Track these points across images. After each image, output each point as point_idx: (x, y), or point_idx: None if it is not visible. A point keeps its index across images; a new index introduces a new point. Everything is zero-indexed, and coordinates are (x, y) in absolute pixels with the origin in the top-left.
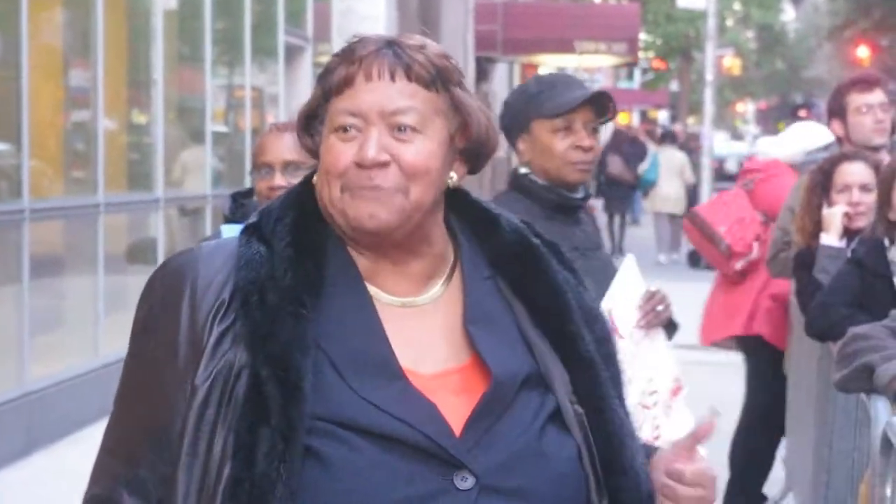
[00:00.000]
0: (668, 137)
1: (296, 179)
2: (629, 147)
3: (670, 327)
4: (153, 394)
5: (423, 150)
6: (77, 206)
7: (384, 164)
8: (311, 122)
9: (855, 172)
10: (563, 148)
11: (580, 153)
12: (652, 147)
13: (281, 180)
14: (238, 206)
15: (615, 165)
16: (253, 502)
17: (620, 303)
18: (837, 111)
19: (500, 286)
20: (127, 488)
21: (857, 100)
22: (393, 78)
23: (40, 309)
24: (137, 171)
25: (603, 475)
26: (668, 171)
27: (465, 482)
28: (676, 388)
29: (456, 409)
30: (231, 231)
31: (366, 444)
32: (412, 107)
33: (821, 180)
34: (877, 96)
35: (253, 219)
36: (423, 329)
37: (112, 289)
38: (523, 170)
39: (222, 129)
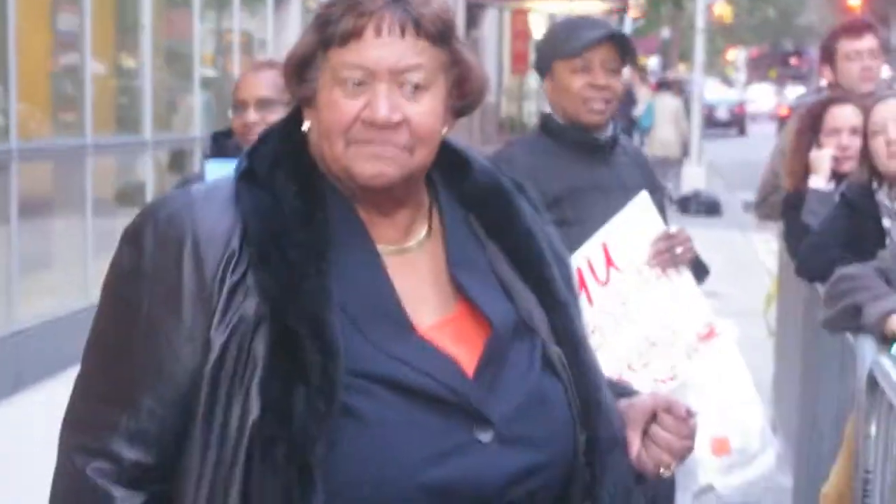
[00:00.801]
0: (663, 85)
1: (272, 116)
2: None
3: (700, 272)
4: (154, 344)
5: (431, 110)
6: (65, 148)
7: (397, 125)
8: (301, 70)
9: (844, 116)
10: (578, 86)
11: (595, 91)
12: (643, 93)
13: (255, 117)
14: (218, 145)
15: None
16: (291, 461)
17: (623, 236)
18: (827, 57)
19: (474, 228)
20: (126, 438)
21: (846, 46)
22: (403, 34)
23: (29, 249)
24: (126, 115)
25: (581, 413)
26: (662, 117)
27: (486, 435)
28: (709, 332)
29: (461, 361)
30: (216, 170)
31: (395, 398)
32: (421, 64)
33: (810, 123)
34: (865, 43)
35: (243, 162)
36: (414, 277)
37: (100, 230)
38: (547, 110)
39: (211, 73)
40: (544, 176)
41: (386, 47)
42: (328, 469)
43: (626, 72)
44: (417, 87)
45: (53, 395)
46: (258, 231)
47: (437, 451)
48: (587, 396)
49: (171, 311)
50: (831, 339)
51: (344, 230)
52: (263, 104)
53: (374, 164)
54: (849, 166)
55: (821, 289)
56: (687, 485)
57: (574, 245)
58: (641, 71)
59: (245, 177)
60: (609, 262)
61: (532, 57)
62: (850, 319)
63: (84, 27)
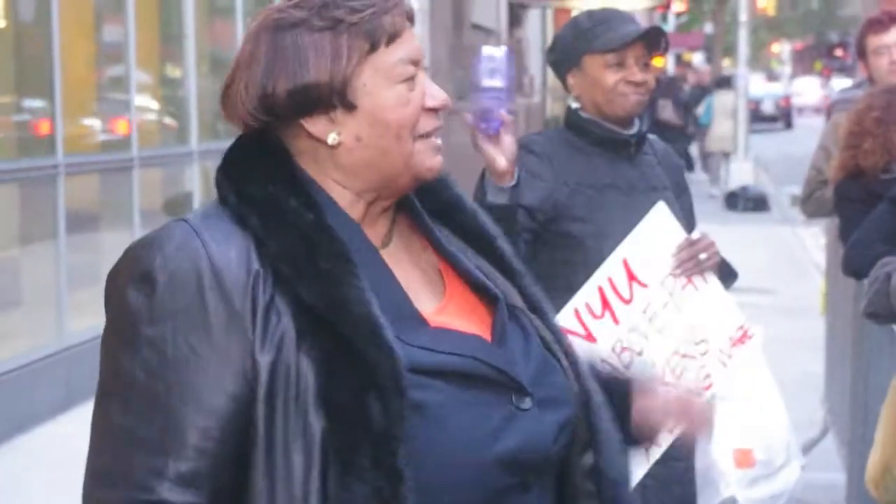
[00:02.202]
0: (722, 82)
1: None
2: (680, 92)
3: (727, 275)
4: (190, 380)
5: None
6: (111, 161)
7: (447, 105)
8: (329, 92)
9: None
10: (613, 82)
11: (632, 87)
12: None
13: None
14: None
15: (667, 111)
16: (379, 465)
17: (644, 250)
18: (860, 52)
19: (425, 212)
20: (176, 482)
21: (873, 41)
22: (413, 22)
23: (77, 264)
24: (171, 125)
25: (571, 372)
26: (721, 113)
27: (525, 402)
28: (741, 336)
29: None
30: None
31: (444, 385)
32: None
33: (883, 111)
34: (892, 35)
35: (228, 185)
36: (402, 270)
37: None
38: (574, 104)
39: None
40: (561, 165)
41: (415, 38)
42: (411, 466)
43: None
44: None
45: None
46: (281, 248)
47: (495, 425)
48: (569, 357)
49: (203, 343)
50: (880, 333)
51: (346, 235)
52: None
53: (438, 155)
54: None
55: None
56: (709, 497)
57: (585, 238)
58: (686, 65)
59: (241, 199)
60: (631, 277)
61: (548, 48)
62: (884, 296)
63: (129, 37)
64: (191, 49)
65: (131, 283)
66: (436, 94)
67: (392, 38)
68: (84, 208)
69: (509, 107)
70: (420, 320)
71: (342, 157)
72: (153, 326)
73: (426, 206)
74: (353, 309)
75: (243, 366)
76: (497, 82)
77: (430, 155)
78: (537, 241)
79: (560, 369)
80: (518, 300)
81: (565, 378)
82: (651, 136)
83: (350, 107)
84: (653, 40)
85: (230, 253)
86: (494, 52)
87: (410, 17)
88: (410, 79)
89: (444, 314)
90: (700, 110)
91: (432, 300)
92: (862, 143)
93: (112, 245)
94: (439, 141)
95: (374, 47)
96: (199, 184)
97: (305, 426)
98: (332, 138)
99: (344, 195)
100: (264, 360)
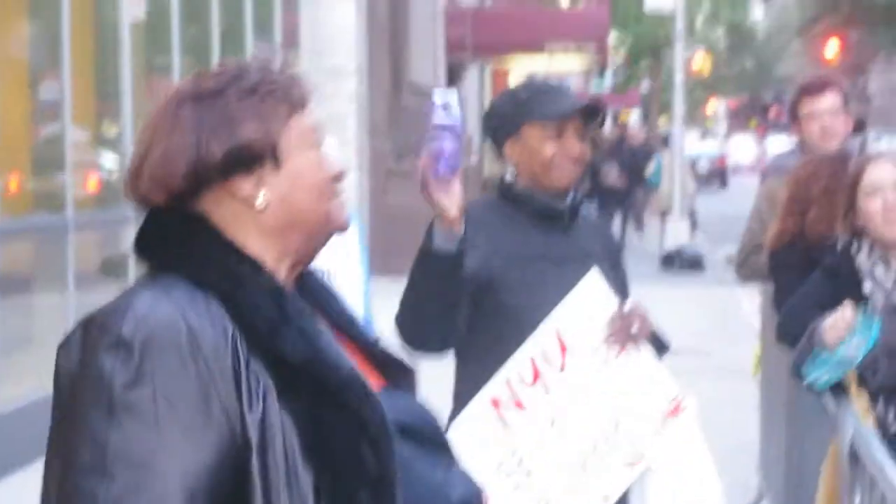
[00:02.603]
0: (667, 141)
1: None
2: (629, 153)
3: (660, 346)
4: (177, 443)
5: None
6: (46, 223)
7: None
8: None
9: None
10: (551, 153)
11: (568, 160)
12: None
13: None
14: None
15: (611, 176)
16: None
17: (576, 320)
18: (793, 116)
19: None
20: None
21: (806, 106)
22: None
23: (9, 329)
24: (107, 185)
25: None
26: (669, 172)
27: (453, 460)
28: (675, 408)
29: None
30: None
31: (401, 437)
32: None
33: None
34: (825, 101)
35: (167, 256)
36: None
37: (83, 307)
38: (509, 175)
39: None
40: (495, 235)
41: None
42: None
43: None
44: None
45: (26, 484)
46: (253, 308)
47: (441, 477)
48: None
49: (184, 404)
50: (816, 402)
51: None
52: None
53: (345, 211)
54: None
55: None
56: None
57: (518, 310)
58: (622, 125)
59: (192, 265)
60: (563, 346)
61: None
62: (807, 352)
63: (64, 94)
64: (128, 107)
65: (103, 350)
66: (336, 160)
67: (302, 105)
68: (18, 271)
69: (460, 149)
70: (367, 380)
71: (267, 219)
72: (133, 391)
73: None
74: (338, 363)
75: (230, 425)
76: (448, 121)
77: (341, 210)
78: (475, 309)
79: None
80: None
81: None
82: (584, 207)
83: (278, 165)
84: (592, 113)
85: (202, 315)
86: (446, 94)
87: (311, 93)
88: (320, 145)
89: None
90: (649, 171)
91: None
92: (807, 212)
93: (45, 309)
94: (344, 197)
95: (291, 112)
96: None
97: (296, 478)
98: (260, 198)
99: (266, 261)
100: (253, 418)
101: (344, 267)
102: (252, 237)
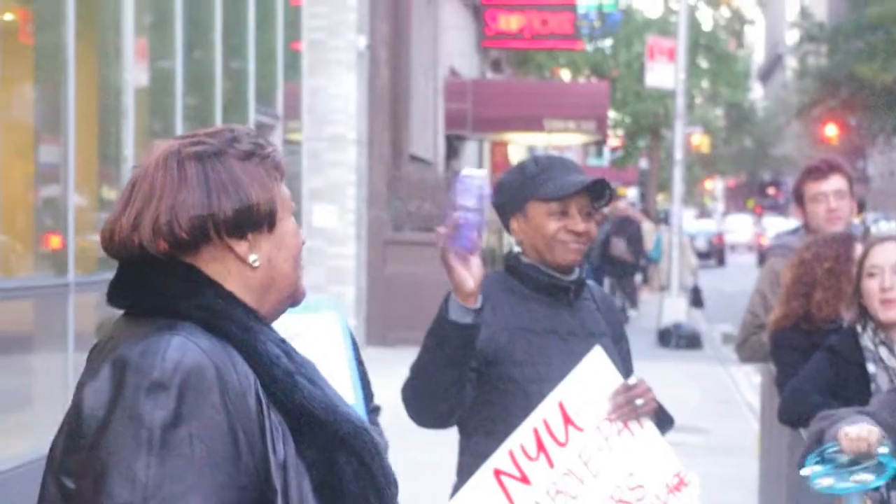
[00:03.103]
0: (667, 219)
1: None
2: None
3: (664, 422)
4: (212, 480)
5: None
6: (46, 286)
7: None
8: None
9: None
10: (555, 230)
11: (572, 237)
12: (647, 227)
13: None
14: None
15: (619, 248)
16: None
17: (580, 393)
18: (798, 198)
19: None
20: None
21: (812, 188)
22: None
23: (8, 388)
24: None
25: None
26: (668, 249)
27: None
28: (678, 483)
29: None
30: None
31: None
32: None
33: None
34: (831, 184)
35: (176, 301)
36: None
37: (82, 368)
38: (515, 249)
39: None
40: (501, 309)
41: None
42: None
43: (627, 206)
44: None
45: None
46: (270, 357)
47: None
48: None
49: (219, 447)
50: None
51: None
52: None
53: (304, 279)
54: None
55: (804, 433)
56: None
57: (524, 383)
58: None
59: (204, 312)
60: (567, 420)
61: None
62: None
63: (68, 158)
64: (129, 172)
65: (141, 392)
66: (302, 233)
67: (283, 174)
68: (18, 331)
69: (482, 229)
70: None
71: (255, 278)
72: (171, 432)
73: None
74: (348, 412)
75: (256, 467)
76: (472, 202)
77: (302, 279)
78: (480, 382)
79: None
80: None
81: None
82: (590, 283)
83: (272, 229)
84: (596, 190)
85: (226, 361)
86: (473, 174)
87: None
88: (293, 213)
89: None
90: (650, 246)
91: None
92: (812, 294)
93: (45, 370)
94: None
95: (279, 180)
96: None
97: None
98: (253, 259)
99: (263, 309)
100: (276, 461)
101: (328, 349)
102: (240, 293)
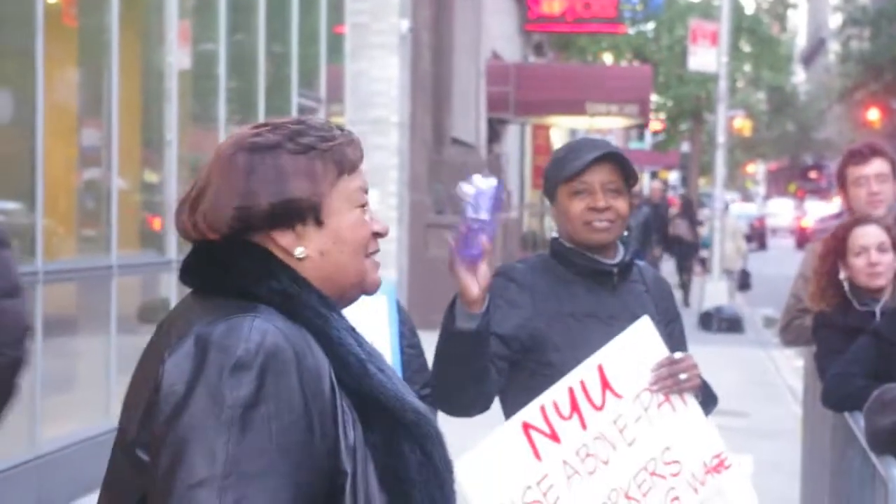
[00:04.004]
0: (703, 203)
1: None
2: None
3: (708, 400)
4: (293, 458)
5: None
6: (90, 268)
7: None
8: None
9: (870, 234)
10: (578, 210)
11: (595, 214)
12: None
13: None
14: None
15: (681, 228)
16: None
17: (622, 360)
18: (840, 182)
19: None
20: None
21: (853, 172)
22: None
23: (52, 370)
24: (151, 232)
25: None
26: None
27: None
28: (717, 464)
29: None
30: None
31: None
32: None
33: (834, 246)
34: (873, 167)
35: (262, 284)
36: None
37: (124, 350)
38: (554, 234)
39: None
40: (541, 294)
41: (364, 173)
42: None
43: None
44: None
45: None
46: (343, 342)
47: None
48: None
49: (297, 428)
50: (862, 466)
51: None
52: None
53: (378, 271)
54: (881, 281)
55: (848, 417)
56: None
57: (563, 367)
58: (663, 184)
59: (283, 297)
60: (605, 384)
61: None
62: None
63: (111, 142)
64: (172, 155)
65: (225, 370)
66: (380, 220)
67: (353, 167)
68: (61, 314)
69: (492, 235)
70: None
71: (306, 270)
72: (252, 411)
73: None
74: (414, 402)
75: (328, 450)
76: (482, 214)
77: (374, 270)
78: (514, 368)
79: None
80: None
81: None
82: (641, 263)
83: (320, 224)
84: (621, 165)
85: (303, 343)
86: (483, 184)
87: (363, 155)
88: (364, 205)
89: None
90: (704, 231)
91: None
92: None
93: (88, 352)
94: (379, 258)
95: (340, 174)
96: (175, 291)
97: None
98: (299, 252)
99: (335, 296)
100: (347, 445)
101: (371, 326)
102: None
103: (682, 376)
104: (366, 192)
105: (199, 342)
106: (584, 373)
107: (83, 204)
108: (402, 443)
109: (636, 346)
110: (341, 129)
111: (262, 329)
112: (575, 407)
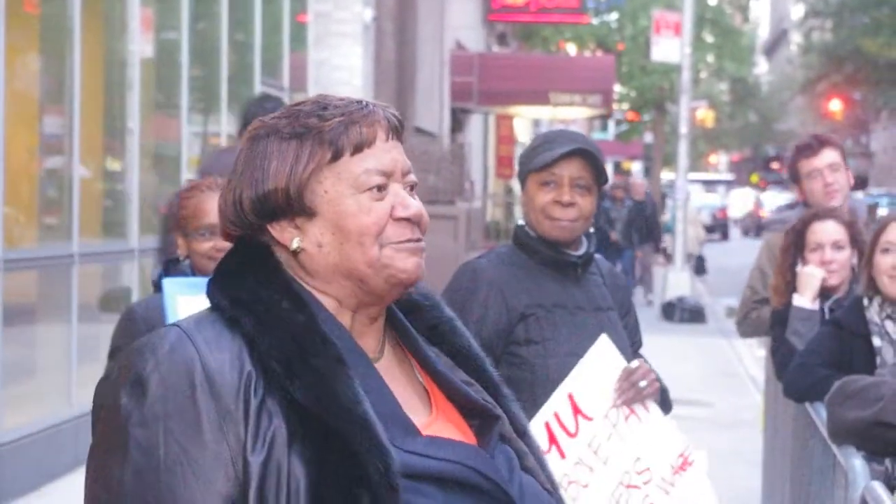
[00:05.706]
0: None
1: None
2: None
3: (665, 403)
4: (182, 481)
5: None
6: (51, 257)
7: (420, 220)
8: (286, 197)
9: (826, 231)
10: (544, 202)
11: (559, 208)
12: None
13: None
14: (173, 270)
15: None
16: None
17: (589, 384)
18: (794, 177)
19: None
20: None
21: (805, 166)
22: (398, 137)
23: (14, 359)
24: (112, 220)
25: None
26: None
27: None
28: (682, 463)
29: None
30: (176, 288)
31: (437, 491)
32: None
33: (793, 240)
34: (824, 159)
35: (221, 290)
36: (394, 381)
37: (86, 338)
38: (520, 222)
39: (198, 177)
40: (510, 290)
41: (394, 150)
42: None
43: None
44: (412, 187)
45: None
46: (273, 347)
47: None
48: (552, 484)
49: (194, 445)
50: (823, 456)
51: (337, 338)
52: None
53: (415, 259)
54: (834, 280)
55: (809, 407)
56: None
57: (537, 362)
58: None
59: (234, 303)
60: (577, 410)
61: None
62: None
63: (72, 130)
64: (134, 144)
65: (123, 388)
66: (408, 205)
67: (359, 147)
68: (22, 302)
69: None
70: (413, 427)
71: (307, 263)
72: (144, 430)
73: (418, 325)
74: (346, 406)
75: (234, 467)
76: None
77: (404, 258)
78: (499, 364)
79: (544, 494)
80: (507, 425)
81: (544, 495)
82: (597, 256)
83: (310, 213)
84: (593, 162)
85: (222, 355)
86: None
87: (390, 130)
88: (378, 188)
89: (432, 428)
90: (667, 217)
91: (422, 414)
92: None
93: (49, 340)
94: (416, 245)
95: (336, 156)
96: (137, 280)
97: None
98: (294, 244)
99: (328, 301)
100: (256, 461)
101: None
102: (304, 278)
103: (642, 384)
104: (386, 174)
105: (120, 358)
106: (556, 405)
107: (44, 192)
108: (331, 453)
109: (599, 366)
110: (364, 104)
111: (172, 342)
112: (553, 440)
